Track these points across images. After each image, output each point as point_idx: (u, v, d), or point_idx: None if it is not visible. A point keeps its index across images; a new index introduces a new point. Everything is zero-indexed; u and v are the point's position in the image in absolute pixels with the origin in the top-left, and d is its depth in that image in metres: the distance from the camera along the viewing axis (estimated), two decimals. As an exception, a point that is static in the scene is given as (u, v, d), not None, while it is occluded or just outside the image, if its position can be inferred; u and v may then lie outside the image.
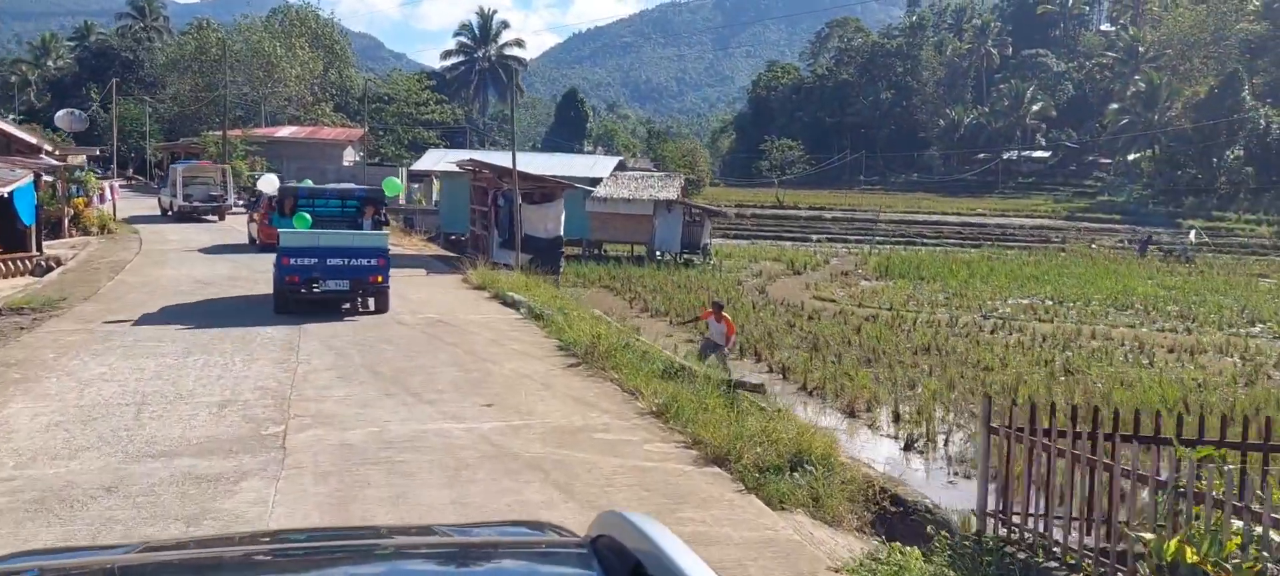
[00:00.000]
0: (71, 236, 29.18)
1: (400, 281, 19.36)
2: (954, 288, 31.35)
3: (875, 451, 12.81)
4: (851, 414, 14.91)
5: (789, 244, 49.59)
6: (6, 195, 19.31)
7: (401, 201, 60.26)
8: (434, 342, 14.23)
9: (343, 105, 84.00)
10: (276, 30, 76.27)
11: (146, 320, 15.38)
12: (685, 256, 38.31)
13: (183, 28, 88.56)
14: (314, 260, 15.72)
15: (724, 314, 15.96)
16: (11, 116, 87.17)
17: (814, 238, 54.26)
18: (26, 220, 21.65)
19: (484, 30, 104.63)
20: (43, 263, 23.78)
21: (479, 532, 2.65)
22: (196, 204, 36.60)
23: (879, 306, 26.56)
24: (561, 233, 26.91)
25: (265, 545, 2.75)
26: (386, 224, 19.73)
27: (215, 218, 36.58)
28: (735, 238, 51.60)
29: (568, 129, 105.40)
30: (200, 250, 26.52)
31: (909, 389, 16.08)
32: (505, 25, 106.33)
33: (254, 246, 27.08)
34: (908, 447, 13.34)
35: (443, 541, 2.43)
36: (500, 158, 32.55)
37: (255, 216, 28.15)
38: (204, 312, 16.23)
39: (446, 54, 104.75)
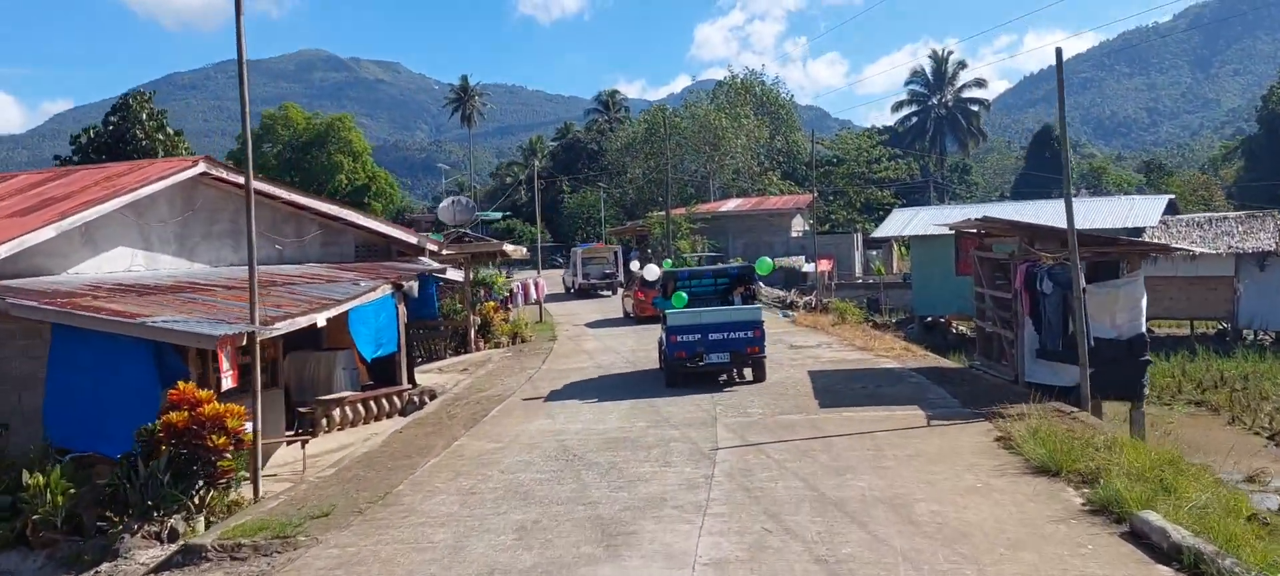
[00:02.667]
0: (479, 349, 24.02)
1: (878, 446, 10.33)
2: None
3: None
4: None
5: None
6: (322, 324, 13.40)
7: (859, 275, 51.06)
8: None
9: (790, 172, 77.69)
10: (722, 103, 72.29)
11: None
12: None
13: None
14: (697, 336, 16.36)
15: None
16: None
17: None
18: (366, 351, 15.80)
19: (938, 75, 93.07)
20: (415, 398, 18.04)
21: None
22: (593, 281, 40.38)
23: None
24: (1142, 328, 15.41)
25: None
26: (756, 299, 20.17)
27: (608, 293, 38.93)
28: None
29: (1044, 172, 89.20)
30: (587, 324, 28.15)
31: None
32: (962, 65, 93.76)
33: (628, 319, 29.31)
34: None
35: None
36: (1004, 211, 21.77)
37: (630, 293, 30.03)
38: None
39: (897, 106, 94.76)
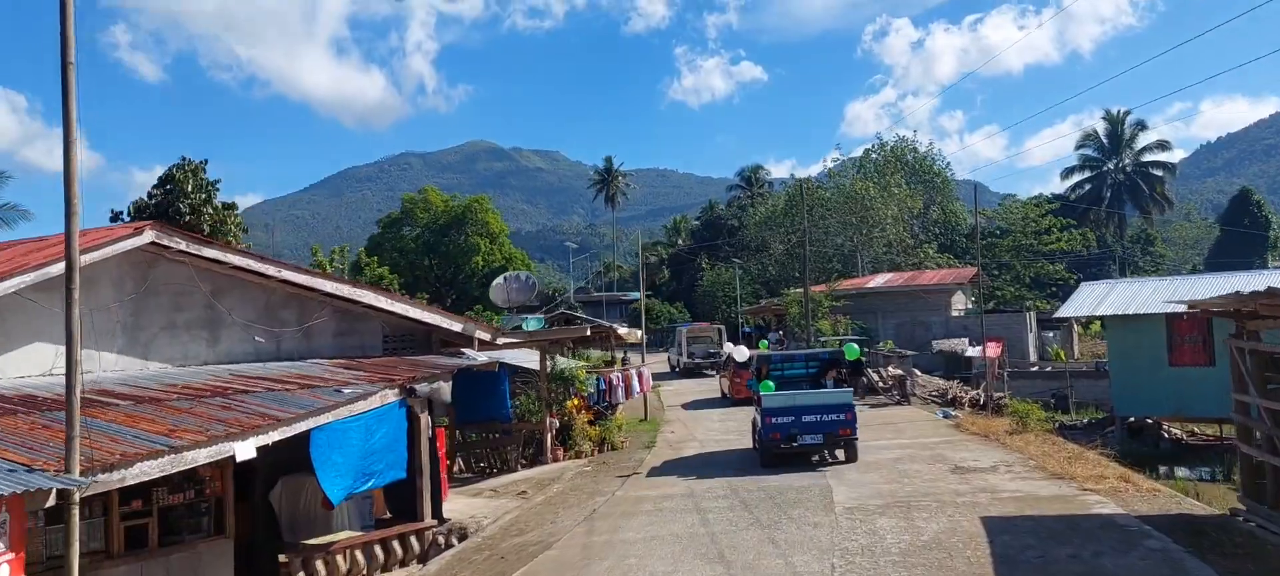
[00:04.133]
0: (556, 459, 19.23)
1: None
2: None
3: None
4: None
5: None
6: (244, 456, 8.97)
7: (1033, 361, 43.55)
8: None
9: (948, 245, 70.18)
10: (871, 171, 66.16)
11: None
12: None
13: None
14: (792, 418, 16.66)
15: None
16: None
17: None
18: (334, 487, 11.17)
19: (1113, 137, 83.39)
20: (440, 538, 13.36)
21: None
22: (697, 360, 39.40)
23: None
24: None
25: None
26: (846, 383, 19.98)
27: (712, 372, 36.85)
28: None
29: (1240, 242, 77.81)
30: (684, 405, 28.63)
31: None
32: (1141, 126, 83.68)
33: (725, 399, 29.43)
34: None
35: None
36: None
37: (726, 374, 30.04)
38: None
39: (1067, 172, 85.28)
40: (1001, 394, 27.67)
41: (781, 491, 14.47)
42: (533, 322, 34.32)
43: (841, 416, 16.69)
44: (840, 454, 17.04)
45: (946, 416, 23.55)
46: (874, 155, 68.54)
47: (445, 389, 13.90)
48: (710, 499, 14.27)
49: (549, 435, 19.20)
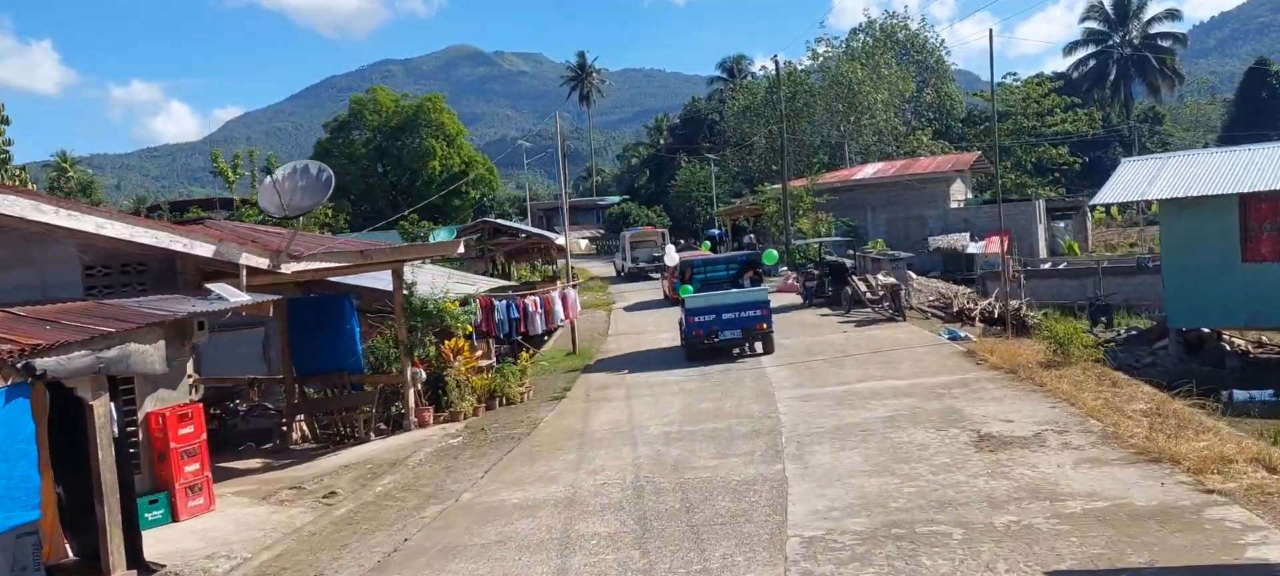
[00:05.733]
0: (426, 424, 13.74)
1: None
2: None
3: None
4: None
5: None
6: None
7: (1043, 256, 37.88)
8: None
9: (944, 131, 63.87)
10: (857, 52, 59.36)
11: None
12: None
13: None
14: (712, 316, 17.71)
15: None
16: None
17: None
18: None
19: (1120, 8, 76.22)
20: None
21: None
22: (642, 265, 39.35)
23: None
24: None
25: None
26: (763, 281, 21.40)
27: (657, 276, 36.35)
28: None
29: (1256, 118, 71.48)
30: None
31: None
32: (1149, -3, 76.41)
33: (666, 301, 29.39)
34: None
35: None
36: None
37: (665, 278, 30.47)
38: None
39: (1070, 47, 78.28)
40: (1019, 302, 22.17)
41: (709, 492, 9.01)
42: (443, 234, 28.54)
43: (758, 313, 17.66)
44: (758, 346, 18.00)
45: (954, 338, 17.99)
46: (862, 36, 61.57)
47: (152, 354, 8.27)
48: (600, 517, 8.81)
49: (412, 390, 13.65)
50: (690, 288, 19.61)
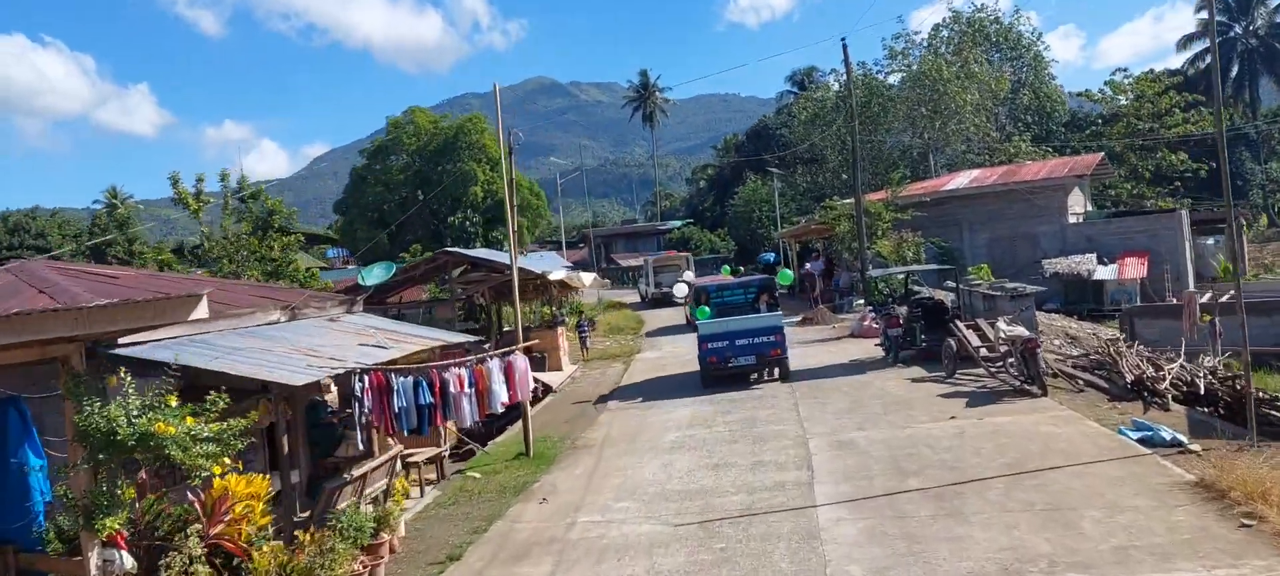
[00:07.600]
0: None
1: None
2: None
3: None
4: None
5: None
6: None
7: (1191, 280, 29.26)
8: None
9: (1043, 137, 55.01)
10: (942, 50, 51.23)
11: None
12: None
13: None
14: (726, 342, 17.36)
15: None
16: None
17: None
18: None
19: (1241, -2, 66.14)
20: None
21: None
22: (666, 289, 37.57)
23: None
24: None
25: None
26: (778, 306, 20.36)
27: (681, 301, 32.99)
28: None
29: None
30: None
31: None
32: (1279, -22, 66.01)
33: (688, 326, 27.93)
34: None
35: None
36: None
37: (686, 304, 29.66)
38: None
39: (1185, 41, 68.12)
40: (1214, 358, 14.37)
41: None
42: (378, 271, 21.99)
43: (771, 338, 17.30)
44: (776, 372, 17.55)
45: (1148, 442, 10.34)
46: (945, 31, 53.34)
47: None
48: None
49: (341, 487, 6.85)
50: (707, 310, 19.53)
